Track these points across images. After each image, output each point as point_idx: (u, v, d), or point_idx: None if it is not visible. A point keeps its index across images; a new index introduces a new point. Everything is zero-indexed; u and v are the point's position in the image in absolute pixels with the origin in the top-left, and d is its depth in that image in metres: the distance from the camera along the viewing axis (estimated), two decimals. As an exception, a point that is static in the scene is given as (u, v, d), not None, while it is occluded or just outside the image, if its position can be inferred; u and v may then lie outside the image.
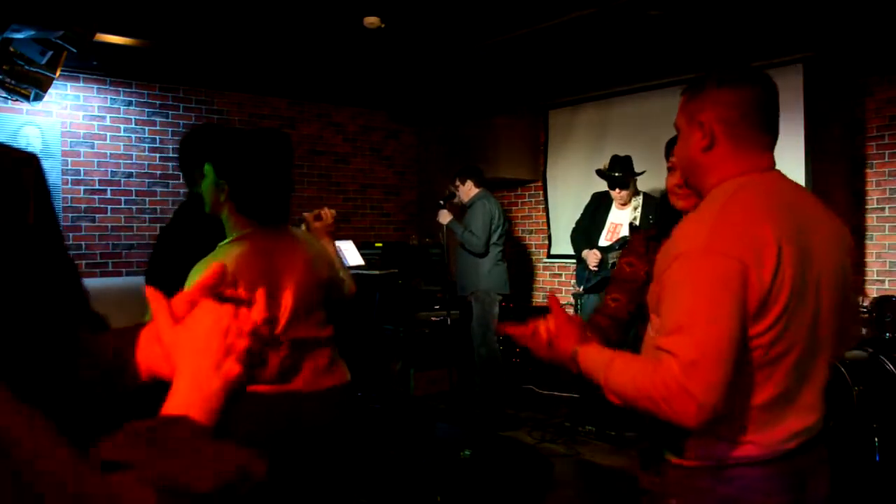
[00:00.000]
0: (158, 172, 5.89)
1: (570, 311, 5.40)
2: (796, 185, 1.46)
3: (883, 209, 5.16)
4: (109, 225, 5.67)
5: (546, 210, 6.82)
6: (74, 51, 3.56)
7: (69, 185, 5.50)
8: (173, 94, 5.98)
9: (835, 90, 5.17)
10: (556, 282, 6.77)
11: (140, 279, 2.29)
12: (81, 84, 5.55)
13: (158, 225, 5.28)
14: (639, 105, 5.92)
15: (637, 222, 4.85)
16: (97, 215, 5.62)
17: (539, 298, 6.88)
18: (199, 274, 1.83)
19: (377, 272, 5.79)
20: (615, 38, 4.69)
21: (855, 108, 5.28)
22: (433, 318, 5.85)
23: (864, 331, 4.60)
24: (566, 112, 6.65)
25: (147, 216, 5.80)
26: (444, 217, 5.32)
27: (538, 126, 6.88)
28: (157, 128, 5.90)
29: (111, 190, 5.69)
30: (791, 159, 4.89)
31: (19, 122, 5.23)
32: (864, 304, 4.52)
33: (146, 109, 5.86)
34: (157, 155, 5.89)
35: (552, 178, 6.79)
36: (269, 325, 0.83)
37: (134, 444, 0.64)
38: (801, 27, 4.46)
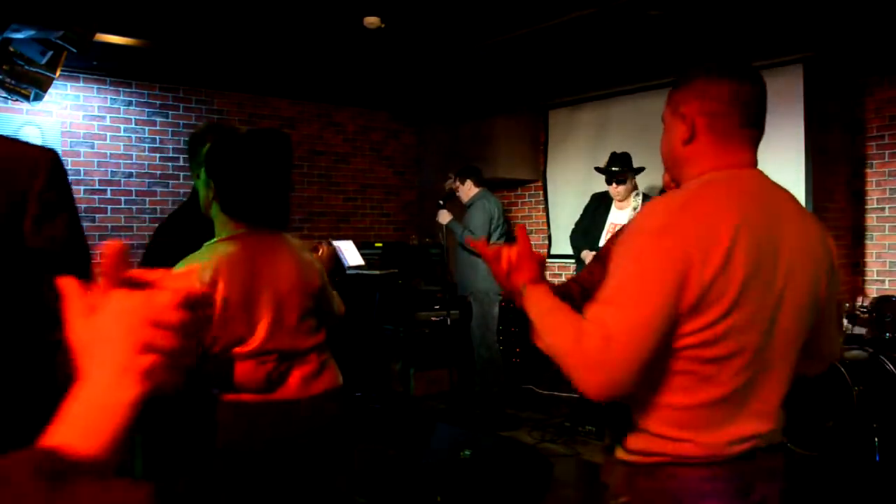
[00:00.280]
0: (158, 172, 5.89)
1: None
2: (775, 187, 1.41)
3: (883, 209, 5.16)
4: (109, 225, 5.67)
5: (546, 210, 6.82)
6: (74, 51, 3.56)
7: (69, 185, 5.50)
8: (173, 94, 5.98)
9: (835, 90, 5.17)
10: (555, 282, 6.75)
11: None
12: (81, 84, 5.55)
13: (157, 225, 5.28)
14: (639, 105, 5.92)
15: (637, 222, 4.84)
16: (97, 215, 5.62)
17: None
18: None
19: (377, 272, 5.79)
20: (615, 38, 4.69)
21: (855, 108, 5.28)
22: (433, 318, 5.85)
23: (864, 331, 4.61)
24: (566, 112, 6.65)
25: (147, 216, 5.80)
26: (444, 217, 5.33)
27: (538, 126, 6.88)
28: (157, 128, 5.90)
29: (111, 190, 5.69)
30: (791, 159, 4.89)
31: (19, 122, 5.23)
32: (864, 304, 4.52)
33: (146, 109, 5.86)
34: (157, 155, 5.89)
35: (552, 178, 6.79)
36: (201, 311, 0.64)
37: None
38: (801, 27, 4.46)
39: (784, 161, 4.92)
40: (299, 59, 5.23)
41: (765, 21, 4.32)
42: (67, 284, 0.62)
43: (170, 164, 5.90)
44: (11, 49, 3.65)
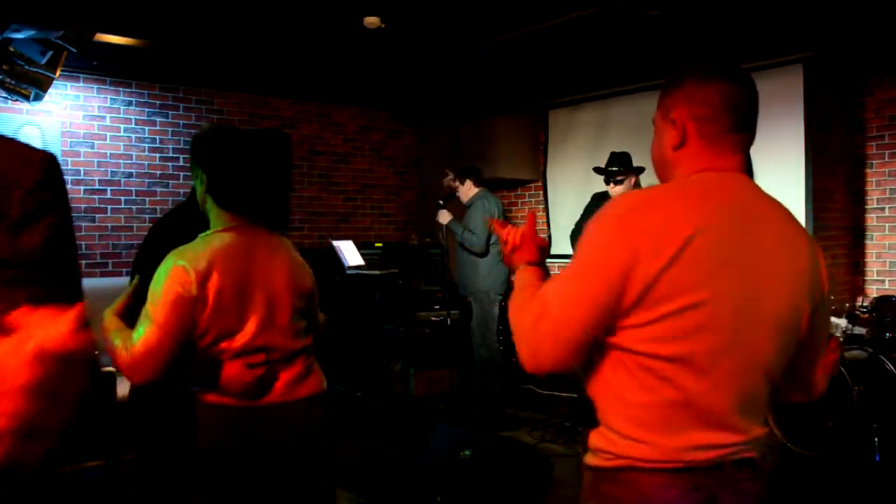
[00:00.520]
0: (158, 172, 5.89)
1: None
2: (760, 195, 1.37)
3: (883, 209, 5.17)
4: (109, 225, 5.67)
5: (546, 210, 6.82)
6: (74, 51, 3.55)
7: (69, 186, 5.46)
8: (173, 94, 5.98)
9: (835, 90, 5.17)
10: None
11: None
12: (81, 84, 5.55)
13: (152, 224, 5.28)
14: (638, 105, 5.92)
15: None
16: (97, 215, 5.62)
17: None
18: (171, 261, 1.83)
19: (377, 272, 5.79)
20: (615, 38, 4.69)
21: (855, 108, 5.29)
22: (433, 318, 5.85)
23: (864, 331, 4.61)
24: (566, 112, 6.65)
25: (147, 216, 5.80)
26: (444, 217, 5.33)
27: (538, 126, 6.88)
28: (157, 128, 5.90)
29: (111, 190, 5.69)
30: (791, 159, 4.89)
31: (19, 122, 5.23)
32: (864, 304, 4.53)
33: (146, 109, 5.86)
34: (157, 155, 5.89)
35: (552, 178, 6.79)
36: None
37: None
38: (801, 27, 4.46)
39: (784, 161, 4.92)
40: (299, 60, 5.23)
41: (765, 21, 4.32)
42: None
43: (170, 164, 5.90)
44: (11, 49, 3.64)
